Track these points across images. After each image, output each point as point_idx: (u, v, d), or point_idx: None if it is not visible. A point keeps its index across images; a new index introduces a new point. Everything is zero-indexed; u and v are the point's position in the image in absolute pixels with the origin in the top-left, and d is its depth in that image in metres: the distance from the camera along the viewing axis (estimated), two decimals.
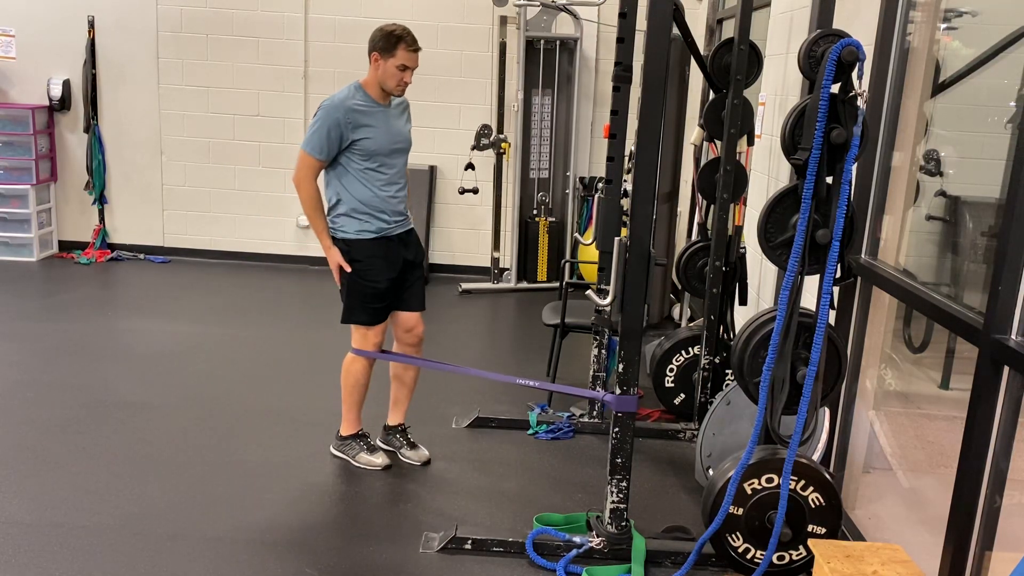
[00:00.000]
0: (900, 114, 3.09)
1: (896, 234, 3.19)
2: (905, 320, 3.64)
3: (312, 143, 3.37)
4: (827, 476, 2.81)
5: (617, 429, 2.95)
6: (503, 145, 6.72)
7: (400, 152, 3.53)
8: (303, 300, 6.34)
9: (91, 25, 6.89)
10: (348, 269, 3.47)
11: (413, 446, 3.78)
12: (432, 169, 7.02)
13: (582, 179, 6.98)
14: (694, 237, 4.45)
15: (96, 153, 7.05)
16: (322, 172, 3.47)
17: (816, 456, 3.12)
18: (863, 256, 3.19)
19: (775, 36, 4.27)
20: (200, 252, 7.24)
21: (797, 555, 2.85)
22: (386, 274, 3.50)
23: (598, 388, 4.09)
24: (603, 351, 4.09)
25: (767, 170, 4.20)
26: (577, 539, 3.05)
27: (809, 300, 2.85)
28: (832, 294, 2.64)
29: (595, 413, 4.21)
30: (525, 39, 6.62)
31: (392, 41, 3.35)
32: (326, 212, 3.49)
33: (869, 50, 3.01)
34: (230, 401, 4.30)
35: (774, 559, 2.83)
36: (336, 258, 3.48)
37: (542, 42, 6.77)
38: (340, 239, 3.48)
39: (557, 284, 6.12)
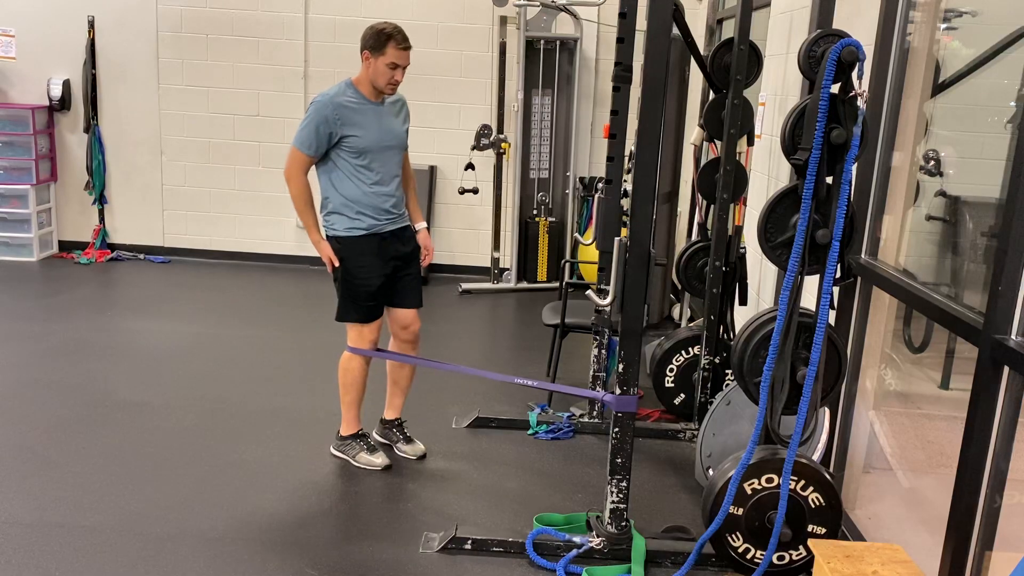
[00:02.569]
0: (900, 114, 3.09)
1: (896, 234, 3.19)
2: (905, 320, 3.64)
3: (301, 139, 3.40)
4: (827, 476, 2.81)
5: (617, 429, 2.95)
6: (503, 145, 6.72)
7: (392, 149, 3.52)
8: (302, 300, 6.34)
9: (91, 25, 6.89)
10: (336, 263, 3.49)
11: (409, 440, 3.80)
12: (432, 169, 7.02)
13: (582, 179, 6.98)
14: (694, 237, 4.45)
15: (96, 153, 7.05)
16: (313, 168, 3.49)
17: (816, 456, 3.12)
18: (863, 256, 3.19)
19: (775, 36, 4.27)
20: (200, 252, 7.24)
21: (797, 555, 2.85)
22: (378, 271, 3.51)
23: (598, 388, 4.09)
24: (603, 351, 4.09)
25: (767, 170, 4.20)
26: (577, 539, 3.05)
27: (809, 300, 2.85)
28: (832, 294, 2.63)
29: (595, 413, 4.21)
30: (525, 39, 6.62)
31: (382, 39, 3.35)
32: (318, 209, 3.52)
33: (869, 50, 3.01)
34: (230, 401, 4.30)
35: (774, 559, 2.83)
36: (326, 251, 3.50)
37: (542, 42, 6.77)
38: (331, 236, 3.51)
39: (557, 284, 6.13)
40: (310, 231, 3.52)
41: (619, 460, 2.97)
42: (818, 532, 2.80)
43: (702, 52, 4.34)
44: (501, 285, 6.93)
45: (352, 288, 3.51)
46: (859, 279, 3.18)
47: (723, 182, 3.81)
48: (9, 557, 2.87)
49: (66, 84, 6.95)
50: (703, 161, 4.11)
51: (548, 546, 3.04)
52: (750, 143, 4.13)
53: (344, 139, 3.40)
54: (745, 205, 4.10)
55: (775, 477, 2.76)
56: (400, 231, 3.60)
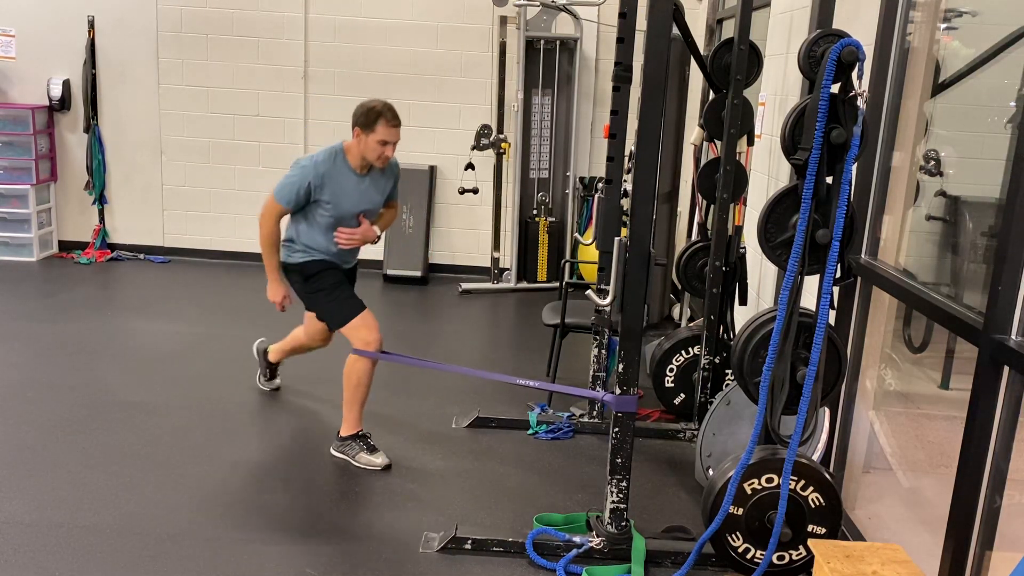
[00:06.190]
0: (900, 114, 3.09)
1: (896, 234, 3.19)
2: (905, 320, 3.64)
3: (282, 194, 3.60)
4: (827, 476, 2.81)
5: (617, 429, 2.95)
6: (503, 145, 6.72)
7: (365, 212, 3.74)
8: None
9: (91, 25, 6.89)
10: (288, 301, 3.81)
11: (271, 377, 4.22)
12: (432, 169, 7.02)
13: (582, 179, 6.98)
14: (694, 237, 4.45)
15: (96, 153, 7.05)
16: None
17: (816, 456, 3.12)
18: (863, 256, 3.19)
19: (775, 36, 4.27)
20: (200, 252, 7.24)
21: (797, 555, 2.85)
22: (338, 275, 3.76)
23: (598, 388, 4.09)
24: (603, 351, 4.09)
25: (767, 170, 4.20)
26: (577, 539, 3.05)
27: (809, 300, 2.85)
28: (832, 294, 2.63)
29: (595, 413, 4.21)
30: (525, 39, 6.62)
31: (372, 117, 3.52)
32: (281, 241, 3.75)
33: (869, 50, 3.01)
34: (230, 401, 4.30)
35: (774, 559, 2.83)
36: (279, 292, 3.78)
37: (542, 42, 6.77)
38: (289, 264, 3.74)
39: (557, 284, 6.12)
40: (270, 271, 3.74)
41: (619, 460, 2.97)
42: (818, 532, 2.80)
43: (702, 52, 4.34)
44: (501, 285, 6.93)
45: (328, 288, 3.69)
46: (859, 279, 3.18)
47: (723, 182, 3.81)
48: (9, 557, 2.87)
49: (66, 84, 6.95)
50: (703, 161, 4.11)
51: (548, 546, 3.04)
52: (750, 143, 4.13)
53: (320, 201, 3.61)
54: (745, 205, 4.10)
55: (775, 477, 2.76)
56: (350, 271, 3.90)
